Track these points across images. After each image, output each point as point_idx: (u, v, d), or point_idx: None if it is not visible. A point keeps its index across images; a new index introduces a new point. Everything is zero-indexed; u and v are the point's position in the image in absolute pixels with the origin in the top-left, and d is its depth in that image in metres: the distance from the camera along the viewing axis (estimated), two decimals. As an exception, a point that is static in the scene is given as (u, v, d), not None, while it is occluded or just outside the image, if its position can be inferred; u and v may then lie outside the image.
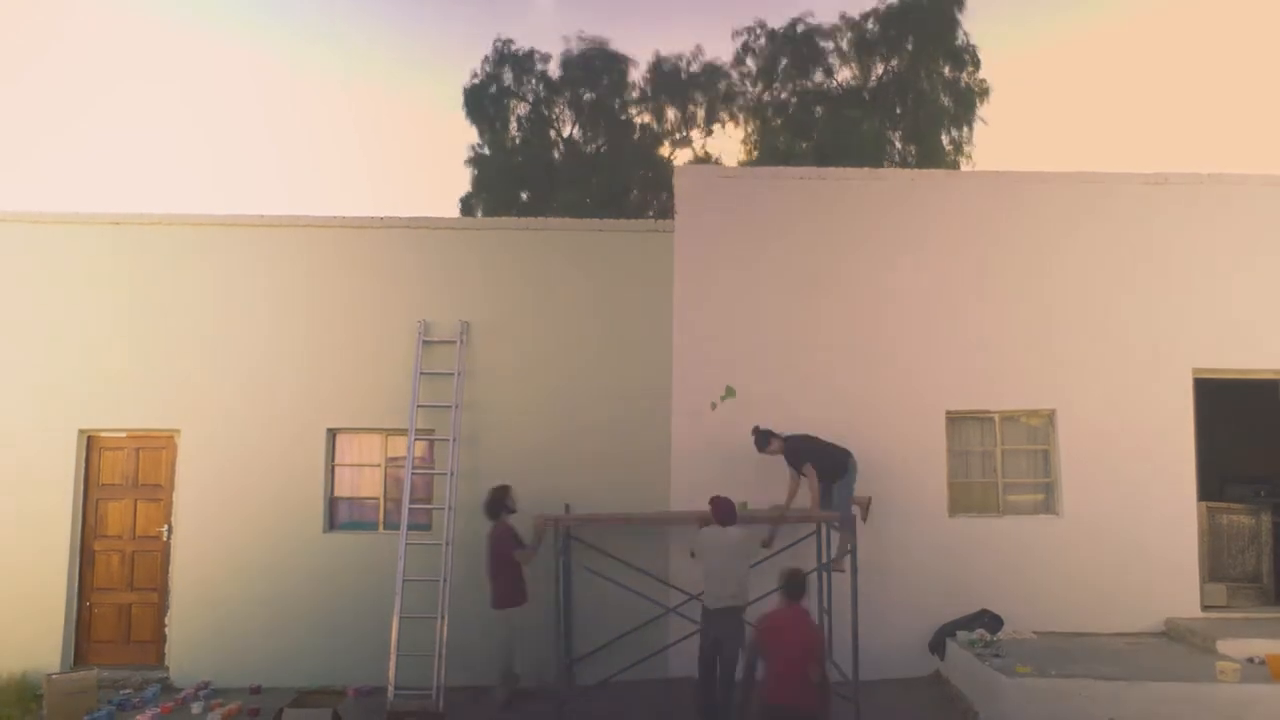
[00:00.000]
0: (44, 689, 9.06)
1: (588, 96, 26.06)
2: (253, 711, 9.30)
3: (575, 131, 26.81)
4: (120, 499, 10.64)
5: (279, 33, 51.42)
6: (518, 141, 26.03)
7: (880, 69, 25.67)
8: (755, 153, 24.76)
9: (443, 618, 9.75)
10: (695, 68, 26.26)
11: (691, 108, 26.37)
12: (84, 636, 10.46)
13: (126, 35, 55.03)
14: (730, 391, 10.45)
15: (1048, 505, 10.75)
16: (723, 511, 8.57)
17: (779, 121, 25.59)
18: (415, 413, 10.32)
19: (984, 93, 25.10)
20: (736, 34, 26.20)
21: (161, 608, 10.49)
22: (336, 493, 10.74)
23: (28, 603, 10.17)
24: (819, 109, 25.41)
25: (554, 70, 26.34)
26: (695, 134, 26.20)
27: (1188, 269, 10.78)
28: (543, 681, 9.47)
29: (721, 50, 26.20)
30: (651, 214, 22.35)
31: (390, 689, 9.48)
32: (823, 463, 9.75)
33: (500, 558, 9.58)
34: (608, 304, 10.59)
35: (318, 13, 47.72)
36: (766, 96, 26.23)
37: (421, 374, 10.45)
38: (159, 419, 10.53)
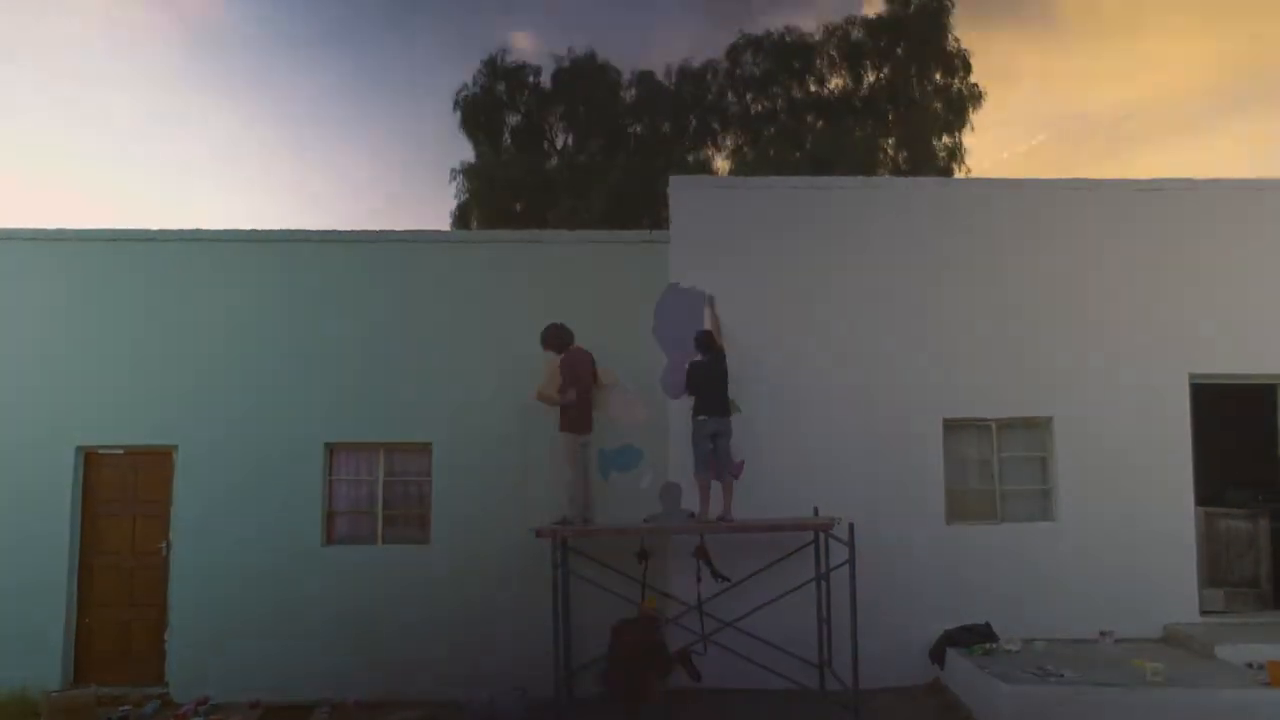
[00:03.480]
0: (42, 706, 9.03)
1: (581, 110, 26.14)
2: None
3: (569, 143, 26.89)
4: (118, 515, 10.61)
5: (273, 42, 51.49)
6: (512, 153, 26.06)
7: (872, 77, 25.77)
8: (748, 163, 24.79)
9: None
10: (687, 79, 26.34)
11: (684, 118, 26.43)
12: (83, 653, 10.42)
13: (120, 39, 55.09)
14: (731, 404, 10.43)
15: (1046, 512, 10.76)
16: None
17: (772, 131, 25.66)
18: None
19: (976, 98, 25.21)
20: (728, 45, 26.34)
21: (161, 623, 10.45)
22: (334, 507, 10.74)
23: (26, 619, 10.14)
24: (811, 117, 25.51)
25: (546, 82, 26.47)
26: (688, 145, 26.24)
27: (1184, 274, 10.81)
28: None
29: (714, 61, 26.12)
30: (646, 225, 22.40)
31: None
32: (702, 400, 9.82)
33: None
34: (602, 315, 10.56)
35: (312, 23, 47.82)
36: (759, 107, 26.31)
37: (420, 384, 10.53)
38: (156, 435, 10.52)
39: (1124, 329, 10.73)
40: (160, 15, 53.48)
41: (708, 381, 9.85)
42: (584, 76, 26.07)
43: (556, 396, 9.77)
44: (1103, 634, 10.06)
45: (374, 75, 48.41)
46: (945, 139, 25.20)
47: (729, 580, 9.94)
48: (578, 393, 9.84)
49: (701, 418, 9.75)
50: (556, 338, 10.00)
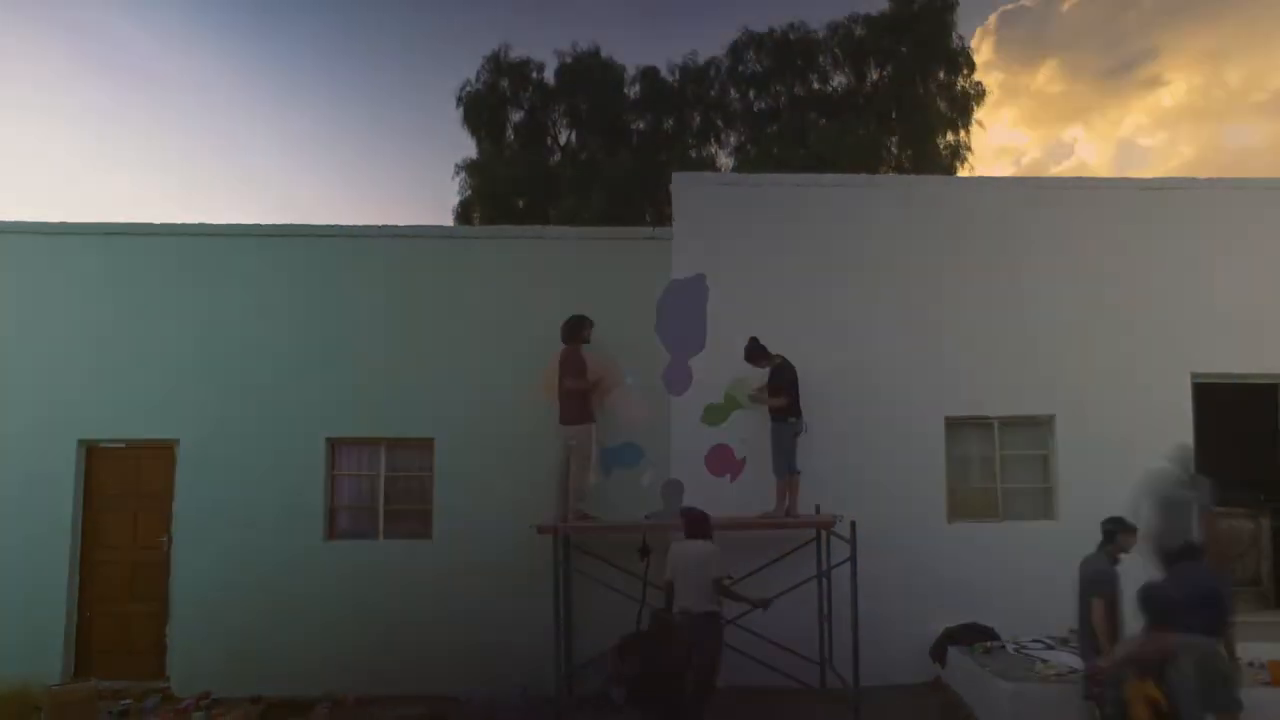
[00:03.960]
0: (43, 700, 9.03)
1: (584, 106, 26.10)
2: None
3: (572, 139, 26.85)
4: (120, 509, 10.61)
5: (274, 42, 51.50)
6: (515, 150, 26.02)
7: (876, 74, 25.74)
8: (751, 160, 24.77)
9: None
10: (690, 76, 26.30)
11: (687, 114, 26.40)
12: (84, 647, 10.43)
13: (116, 40, 55.10)
14: (732, 401, 10.46)
15: (1047, 510, 10.75)
16: (692, 524, 8.48)
17: (775, 128, 25.63)
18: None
19: (979, 96, 25.20)
20: (731, 42, 26.28)
21: (162, 618, 10.45)
22: (336, 502, 10.73)
23: (28, 614, 10.14)
24: (814, 115, 25.47)
25: (549, 79, 26.43)
26: (691, 142, 26.22)
27: (1186, 274, 10.81)
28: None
29: (717, 58, 26.12)
30: (648, 221, 22.40)
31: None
32: (783, 404, 9.89)
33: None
34: (605, 312, 10.55)
35: (311, 21, 47.81)
36: (761, 104, 26.27)
37: (422, 380, 10.56)
38: (158, 429, 10.51)
39: (1126, 327, 10.73)
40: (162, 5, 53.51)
41: (795, 384, 9.95)
42: (587, 73, 26.01)
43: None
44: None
45: (377, 71, 48.45)
46: (949, 137, 25.19)
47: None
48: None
49: (793, 419, 9.86)
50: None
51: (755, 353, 10.04)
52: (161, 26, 52.74)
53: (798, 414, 9.88)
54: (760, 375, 10.18)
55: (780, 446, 9.84)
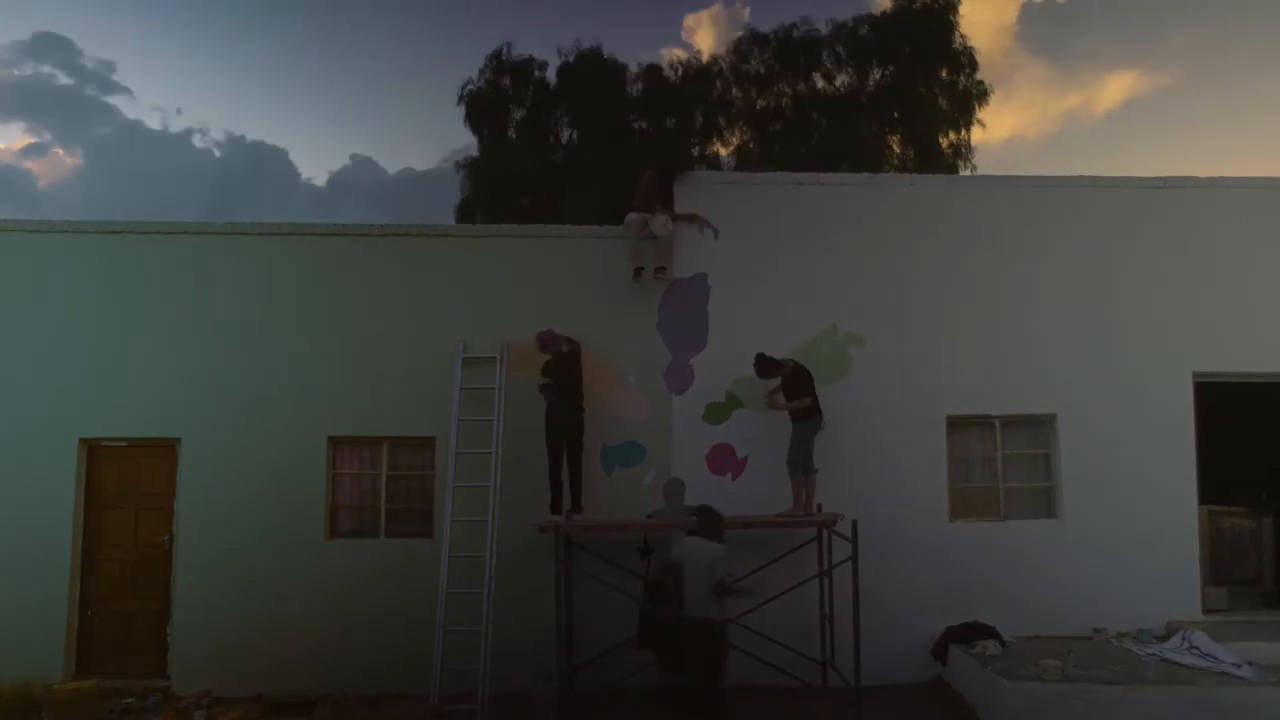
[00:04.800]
0: (45, 699, 9.04)
1: (586, 105, 26.05)
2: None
3: (574, 138, 26.80)
4: (121, 508, 10.61)
5: (275, 41, 51.54)
6: (516, 148, 25.98)
7: (878, 74, 25.69)
8: (753, 159, 24.72)
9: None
10: (692, 75, 26.28)
11: (689, 114, 26.35)
12: (86, 646, 10.43)
13: (122, 40, 55.13)
14: (733, 400, 10.46)
15: (1048, 509, 10.75)
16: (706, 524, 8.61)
17: (777, 127, 25.60)
18: (457, 426, 10.29)
19: (982, 95, 25.12)
20: (733, 41, 26.27)
21: (163, 616, 10.46)
22: (337, 500, 10.73)
23: (29, 612, 10.14)
24: (816, 114, 25.43)
25: (551, 77, 26.40)
26: (693, 141, 26.17)
27: (1188, 272, 10.81)
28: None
29: (720, 57, 26.12)
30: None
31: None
32: (808, 404, 9.84)
33: None
34: (606, 311, 10.55)
35: (312, 20, 47.87)
36: (764, 103, 26.24)
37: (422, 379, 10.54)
38: (159, 427, 10.51)
39: (1128, 326, 10.72)
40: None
41: (811, 384, 9.92)
42: (590, 71, 25.96)
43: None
44: (1096, 631, 10.06)
45: (381, 68, 48.49)
46: (951, 136, 25.12)
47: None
48: None
49: (816, 418, 9.84)
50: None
51: (766, 366, 9.98)
52: (161, 23, 52.79)
53: (819, 412, 9.85)
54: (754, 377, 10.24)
55: (803, 447, 9.78)
